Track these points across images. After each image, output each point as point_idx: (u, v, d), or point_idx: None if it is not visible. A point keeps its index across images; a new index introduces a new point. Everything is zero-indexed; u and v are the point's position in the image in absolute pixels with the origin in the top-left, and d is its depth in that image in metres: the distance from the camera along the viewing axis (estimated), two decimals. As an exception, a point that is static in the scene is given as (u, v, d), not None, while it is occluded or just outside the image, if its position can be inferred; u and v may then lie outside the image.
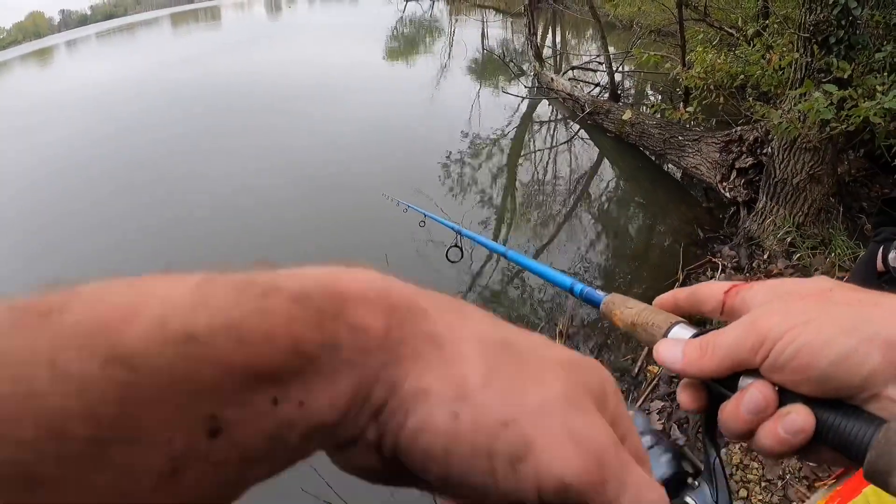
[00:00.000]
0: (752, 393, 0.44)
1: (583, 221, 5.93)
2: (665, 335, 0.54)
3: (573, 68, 9.86)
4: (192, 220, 7.38)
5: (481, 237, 1.63)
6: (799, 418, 0.42)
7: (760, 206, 4.57)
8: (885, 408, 0.39)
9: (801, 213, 4.31)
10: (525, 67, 11.13)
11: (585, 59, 10.79)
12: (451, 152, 7.69)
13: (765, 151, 4.64)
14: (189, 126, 11.70)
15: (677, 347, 0.49)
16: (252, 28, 25.96)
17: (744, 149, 4.84)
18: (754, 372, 0.45)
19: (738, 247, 4.58)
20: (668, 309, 0.58)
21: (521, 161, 7.54)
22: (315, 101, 11.46)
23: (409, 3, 20.79)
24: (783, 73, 4.66)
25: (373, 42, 16.24)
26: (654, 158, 6.53)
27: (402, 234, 5.17)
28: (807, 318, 0.42)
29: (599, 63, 9.78)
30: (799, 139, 4.07)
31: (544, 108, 9.14)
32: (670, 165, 6.30)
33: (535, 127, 8.60)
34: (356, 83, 12.44)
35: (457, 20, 18.98)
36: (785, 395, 0.44)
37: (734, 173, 4.88)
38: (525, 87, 9.88)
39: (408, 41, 17.23)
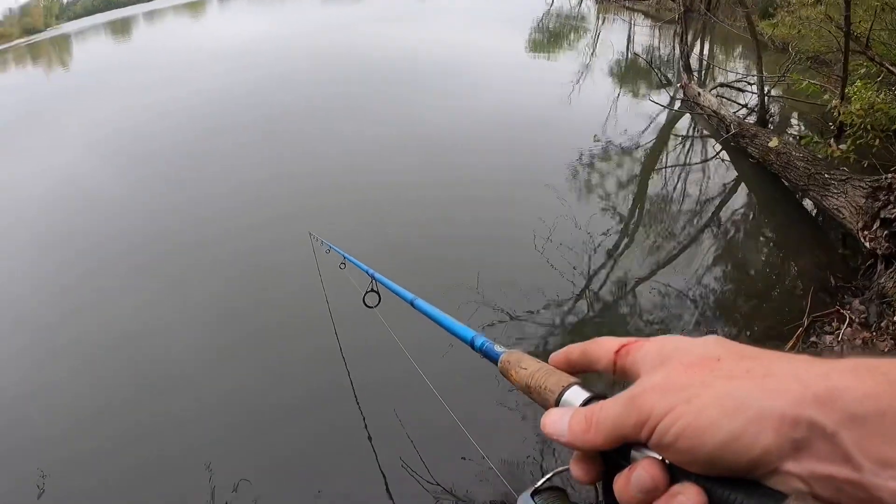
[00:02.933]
0: (639, 473, 0.43)
1: (705, 245, 5.77)
2: (557, 401, 0.54)
3: (721, 85, 9.53)
4: (322, 170, 7.81)
5: (393, 284, 1.69)
6: (689, 500, 0.40)
7: (902, 262, 4.28)
8: (784, 482, 0.38)
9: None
10: (670, 77, 10.87)
11: (733, 76, 10.41)
12: (582, 153, 7.66)
13: (917, 205, 4.37)
14: (329, 88, 12.15)
15: (564, 419, 0.50)
16: (399, 4, 26.45)
17: (892, 198, 4.53)
18: (644, 445, 0.44)
19: (869, 302, 4.29)
20: (562, 367, 0.58)
21: (654, 173, 7.40)
22: (452, 83, 11.61)
23: (557, -4, 20.70)
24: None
25: (517, 32, 16.23)
26: (794, 192, 6.24)
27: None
28: (688, 395, 0.41)
29: (748, 83, 9.43)
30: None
31: (684, 122, 8.90)
32: (810, 203, 6.03)
33: (674, 140, 8.39)
34: (495, 70, 12.51)
35: (604, 20, 18.68)
36: (677, 472, 0.42)
37: (878, 223, 4.57)
38: (671, 97, 9.65)
39: (552, 35, 17.11)
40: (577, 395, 0.53)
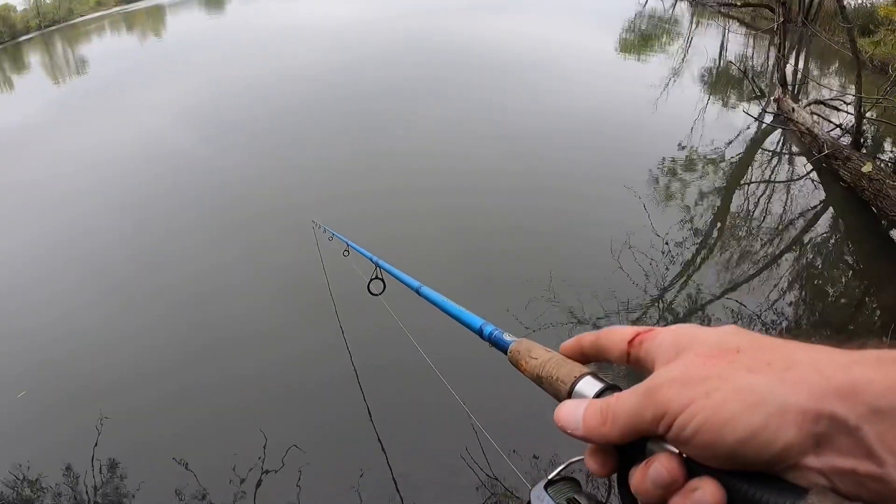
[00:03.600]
0: (656, 467, 0.42)
1: (783, 268, 5.61)
2: (569, 392, 0.53)
3: (816, 102, 9.22)
4: (401, 151, 7.96)
5: (398, 271, 1.63)
6: (707, 495, 0.40)
7: None
8: (804, 477, 0.37)
9: None
10: (763, 88, 10.57)
11: (827, 93, 10.05)
12: (665, 159, 7.56)
13: None
14: (414, 72, 12.26)
15: (578, 411, 0.48)
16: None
17: None
18: (661, 438, 0.43)
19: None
20: (574, 357, 0.57)
21: (738, 188, 7.22)
22: (538, 76, 11.56)
23: (651, -3, 20.29)
24: None
25: (607, 31, 16.02)
26: (884, 223, 5.99)
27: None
28: (707, 388, 0.40)
29: (844, 102, 9.09)
30: None
31: (774, 137, 8.65)
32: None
33: (762, 155, 8.15)
34: (582, 66, 12.39)
35: (697, 24, 18.24)
36: (695, 466, 0.41)
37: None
38: (762, 110, 9.38)
39: (643, 36, 16.80)
40: (590, 385, 0.52)
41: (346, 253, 3.43)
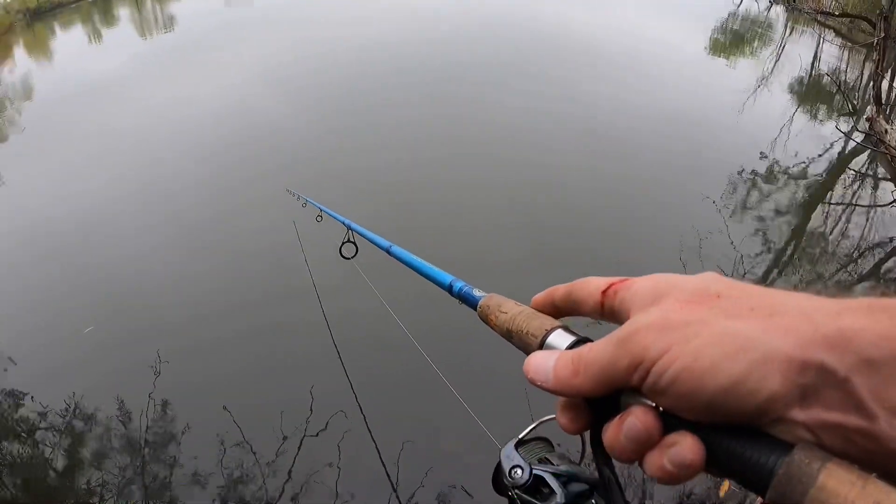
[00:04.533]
0: (631, 421, 0.39)
1: (856, 296, 5.43)
2: (540, 346, 0.50)
3: (909, 126, 8.85)
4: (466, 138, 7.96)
5: (369, 232, 1.58)
6: (684, 450, 0.37)
7: None
8: (789, 431, 0.35)
9: None
10: (856, 106, 10.18)
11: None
12: (743, 168, 7.38)
13: None
14: (494, 57, 12.19)
15: (548, 362, 0.45)
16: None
17: None
18: (636, 391, 0.40)
19: None
20: (546, 311, 0.54)
21: (818, 207, 7.00)
22: (620, 71, 11.37)
23: (745, -2, 19.64)
24: None
25: (698, 30, 15.59)
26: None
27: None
28: (686, 334, 0.37)
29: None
30: None
31: (862, 158, 8.34)
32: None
33: (847, 175, 7.88)
34: (668, 64, 12.12)
35: (791, 30, 17.62)
36: (672, 420, 0.39)
37: None
38: (852, 127, 9.05)
39: (735, 38, 16.31)
40: (561, 338, 0.49)
41: (318, 219, 3.37)
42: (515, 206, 6.53)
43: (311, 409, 4.07)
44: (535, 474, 0.62)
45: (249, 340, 4.79)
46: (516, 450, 0.65)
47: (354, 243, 2.23)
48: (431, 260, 0.95)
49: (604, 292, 0.48)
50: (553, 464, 0.65)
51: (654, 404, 0.40)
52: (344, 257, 2.30)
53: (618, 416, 0.41)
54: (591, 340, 0.45)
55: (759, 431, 0.36)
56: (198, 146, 8.76)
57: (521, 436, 0.66)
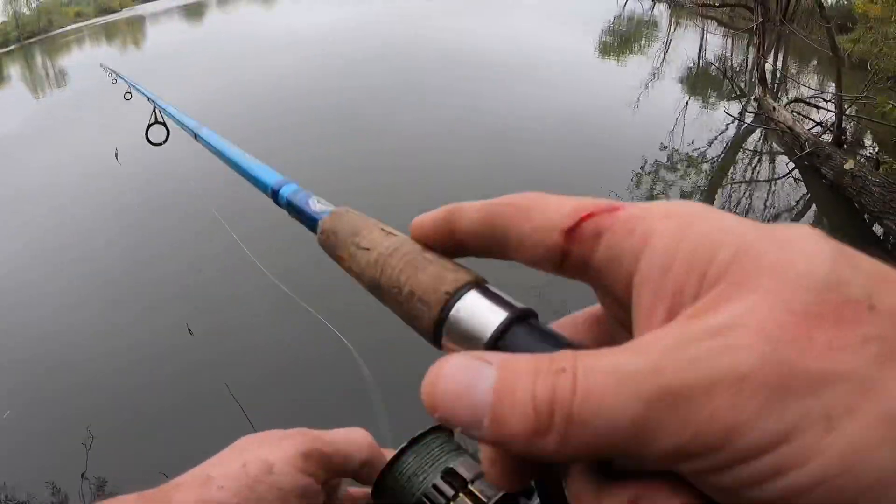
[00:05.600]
0: None
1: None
2: (439, 322, 0.28)
3: (796, 100, 9.22)
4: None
5: (178, 111, 1.30)
6: None
7: None
8: None
9: None
10: (743, 88, 10.59)
11: (807, 91, 10.05)
12: (646, 161, 7.52)
13: None
14: (396, 76, 12.22)
15: (479, 384, 0.22)
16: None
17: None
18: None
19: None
20: (441, 246, 0.31)
21: (721, 188, 7.21)
22: (516, 78, 11.53)
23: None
24: None
25: (586, 33, 16.01)
26: (867, 218, 6.00)
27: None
28: (828, 407, 0.19)
29: (824, 99, 9.10)
30: None
31: (755, 137, 8.65)
32: (883, 230, 5.81)
33: (743, 154, 8.15)
34: (562, 69, 12.37)
35: (676, 26, 18.32)
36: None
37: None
38: (742, 109, 9.39)
39: (623, 38, 16.85)
40: (480, 312, 0.27)
41: (128, 96, 2.86)
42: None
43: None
44: None
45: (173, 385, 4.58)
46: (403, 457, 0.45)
47: (165, 125, 1.79)
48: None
49: (569, 230, 0.27)
50: (463, 477, 0.43)
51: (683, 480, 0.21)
52: (151, 143, 1.87)
53: (615, 485, 0.23)
54: (536, 317, 0.27)
55: None
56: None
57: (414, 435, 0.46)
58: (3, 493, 4.11)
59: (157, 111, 1.70)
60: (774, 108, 8.27)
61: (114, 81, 3.42)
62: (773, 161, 7.95)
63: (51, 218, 7.76)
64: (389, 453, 0.47)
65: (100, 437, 4.29)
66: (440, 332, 0.28)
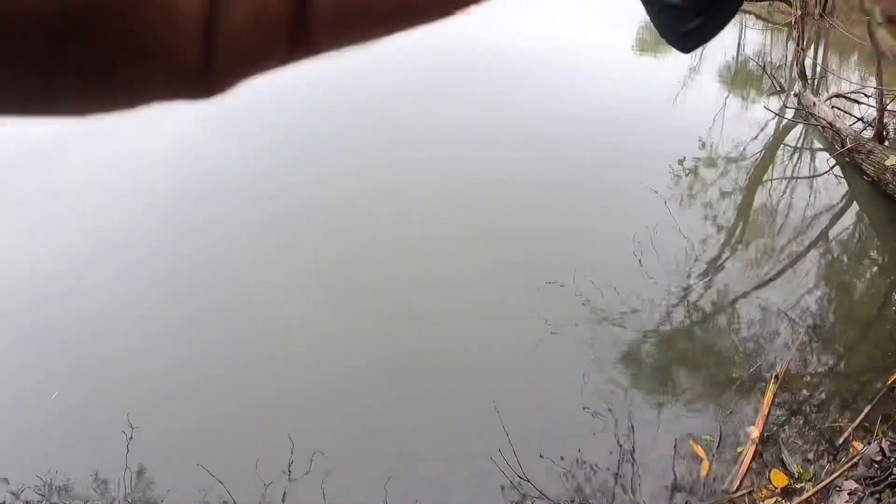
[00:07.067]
0: None
1: (808, 264, 5.61)
2: None
3: (836, 96, 9.15)
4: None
5: None
6: None
7: None
8: None
9: None
10: (783, 84, 10.52)
11: (847, 86, 9.95)
12: (684, 158, 7.56)
13: None
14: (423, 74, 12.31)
15: None
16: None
17: None
18: None
19: None
20: None
21: (760, 185, 7.22)
22: (553, 76, 11.56)
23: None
24: None
25: (623, 30, 15.96)
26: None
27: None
28: None
29: (865, 94, 9.02)
30: None
31: (795, 133, 8.62)
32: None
33: (783, 151, 8.14)
34: (599, 66, 12.39)
35: (713, 20, 18.11)
36: None
37: None
38: (782, 105, 9.35)
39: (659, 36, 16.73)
40: None
41: None
42: (471, 226, 6.58)
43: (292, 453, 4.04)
44: None
45: (212, 387, 4.72)
46: None
47: None
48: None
49: None
50: None
51: None
52: None
53: None
54: None
55: None
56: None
57: None
58: (49, 477, 4.24)
59: None
60: (815, 104, 8.24)
61: None
62: (813, 158, 7.93)
63: (114, 214, 8.03)
64: None
65: (140, 428, 4.46)
66: None
